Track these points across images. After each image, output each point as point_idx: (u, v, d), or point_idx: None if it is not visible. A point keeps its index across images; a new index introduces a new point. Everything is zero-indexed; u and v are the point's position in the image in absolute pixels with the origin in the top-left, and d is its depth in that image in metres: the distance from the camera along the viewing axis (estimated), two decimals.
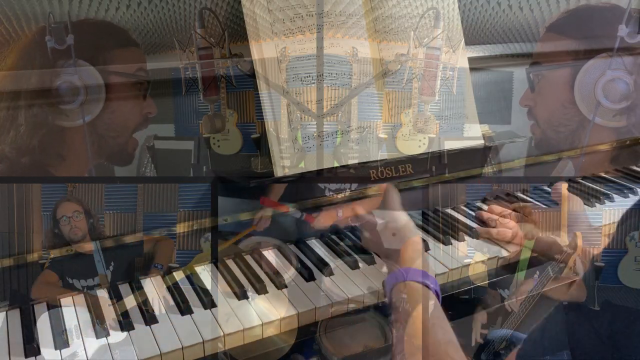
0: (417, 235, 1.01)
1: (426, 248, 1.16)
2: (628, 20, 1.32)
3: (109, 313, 0.96)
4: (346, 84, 1.11)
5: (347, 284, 1.05)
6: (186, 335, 0.91)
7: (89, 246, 1.01)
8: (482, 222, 1.25)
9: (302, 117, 1.08)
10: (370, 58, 1.13)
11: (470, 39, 1.25)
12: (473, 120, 1.21)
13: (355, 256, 1.12)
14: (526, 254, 1.17)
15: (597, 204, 1.35)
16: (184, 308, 0.97)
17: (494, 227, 1.21)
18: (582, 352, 1.37)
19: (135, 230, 1.03)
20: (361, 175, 1.16)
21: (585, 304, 1.31)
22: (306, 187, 1.15)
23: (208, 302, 0.98)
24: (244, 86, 1.09)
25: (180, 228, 1.07)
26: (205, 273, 1.08)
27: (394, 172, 1.18)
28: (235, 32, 1.08)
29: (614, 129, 1.43)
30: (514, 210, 1.26)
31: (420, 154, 1.18)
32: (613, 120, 1.41)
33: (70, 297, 1.00)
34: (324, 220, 1.11)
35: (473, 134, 1.22)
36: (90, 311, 0.96)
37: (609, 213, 1.31)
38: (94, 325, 0.93)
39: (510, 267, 1.17)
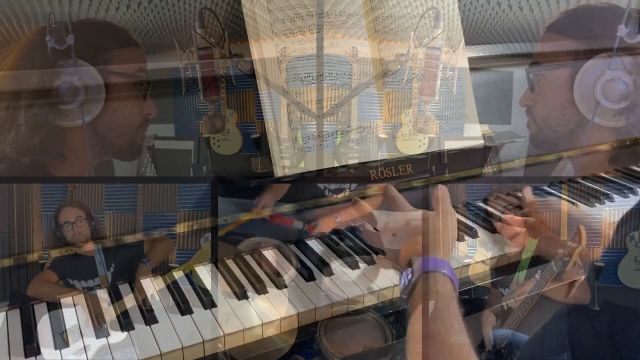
0: (418, 235, 1.01)
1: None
2: (627, 21, 1.32)
3: (109, 313, 0.96)
4: (346, 84, 1.11)
5: (347, 284, 1.05)
6: (186, 335, 0.91)
7: (90, 247, 1.01)
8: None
9: (302, 117, 1.08)
10: (370, 58, 1.14)
11: (470, 39, 1.25)
12: (473, 120, 1.21)
13: (355, 256, 1.12)
14: (528, 253, 1.17)
15: (597, 204, 1.35)
16: (184, 308, 0.97)
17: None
18: (582, 352, 1.37)
19: (135, 230, 1.03)
20: (361, 175, 1.16)
21: (585, 304, 1.32)
22: (306, 187, 1.15)
23: (208, 302, 0.98)
24: (244, 86, 1.09)
25: (180, 228, 1.07)
26: (205, 273, 1.08)
27: (394, 172, 1.18)
28: (235, 32, 1.08)
29: (614, 129, 1.43)
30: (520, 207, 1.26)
31: (420, 154, 1.19)
32: (612, 120, 1.41)
33: (70, 297, 1.00)
34: (324, 227, 1.12)
35: (473, 134, 1.22)
36: (90, 311, 0.96)
37: (609, 213, 1.31)
38: (94, 325, 0.93)
39: (511, 266, 1.17)
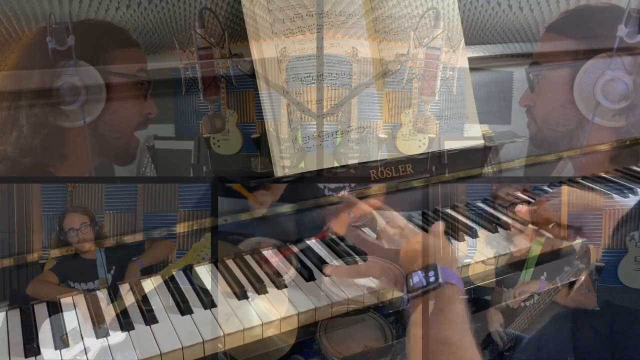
0: (418, 235, 1.01)
1: None
2: (627, 21, 1.32)
3: (109, 313, 0.96)
4: (346, 84, 1.11)
5: (347, 284, 1.05)
6: (186, 335, 0.91)
7: (93, 250, 1.01)
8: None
9: (302, 117, 1.08)
10: (370, 58, 1.14)
11: (470, 39, 1.25)
12: (473, 120, 1.21)
13: (356, 256, 1.12)
14: (535, 252, 1.17)
15: None
16: (184, 308, 0.97)
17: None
18: (582, 352, 1.37)
19: (135, 230, 1.03)
20: (361, 175, 1.16)
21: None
22: (306, 187, 1.15)
23: (208, 302, 0.98)
24: (244, 86, 1.09)
25: (180, 228, 1.07)
26: (205, 273, 1.08)
27: (394, 172, 1.18)
28: (235, 32, 1.08)
29: (613, 129, 1.43)
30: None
31: (420, 154, 1.19)
32: (612, 120, 1.41)
33: (70, 298, 1.00)
34: (338, 229, 1.12)
35: (473, 134, 1.22)
36: (90, 311, 0.96)
37: (609, 213, 1.31)
38: (94, 326, 0.93)
39: (512, 266, 1.17)
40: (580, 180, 1.44)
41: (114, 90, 1.01)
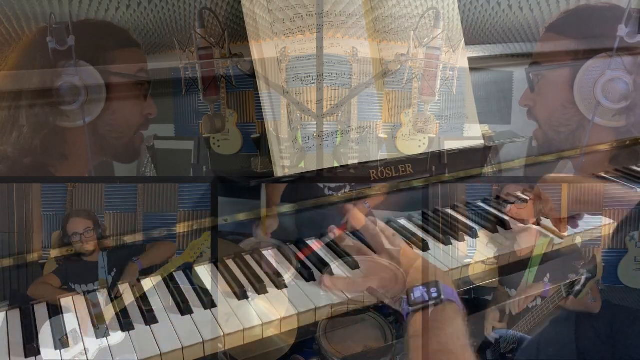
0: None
1: (426, 248, 1.16)
2: (628, 20, 1.32)
3: (109, 313, 0.96)
4: (346, 84, 1.11)
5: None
6: (186, 335, 0.91)
7: (96, 254, 1.01)
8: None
9: (302, 117, 1.08)
10: (370, 58, 1.14)
11: (470, 39, 1.25)
12: (473, 120, 1.21)
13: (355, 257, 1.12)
14: (539, 251, 1.17)
15: None
16: (184, 308, 0.97)
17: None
18: (582, 352, 1.37)
19: (135, 230, 1.03)
20: (361, 175, 1.16)
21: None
22: (306, 187, 1.15)
23: (208, 302, 0.98)
24: (244, 86, 1.09)
25: (180, 228, 1.07)
26: (205, 273, 1.08)
27: (394, 172, 1.18)
28: (235, 32, 1.08)
29: (614, 129, 1.43)
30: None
31: (420, 154, 1.19)
32: (612, 120, 1.41)
33: (70, 298, 1.00)
34: (357, 221, 1.12)
35: (473, 134, 1.22)
36: (90, 311, 0.96)
37: (609, 213, 1.31)
38: (94, 326, 0.93)
39: (513, 265, 1.17)
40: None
41: (114, 90, 1.01)
